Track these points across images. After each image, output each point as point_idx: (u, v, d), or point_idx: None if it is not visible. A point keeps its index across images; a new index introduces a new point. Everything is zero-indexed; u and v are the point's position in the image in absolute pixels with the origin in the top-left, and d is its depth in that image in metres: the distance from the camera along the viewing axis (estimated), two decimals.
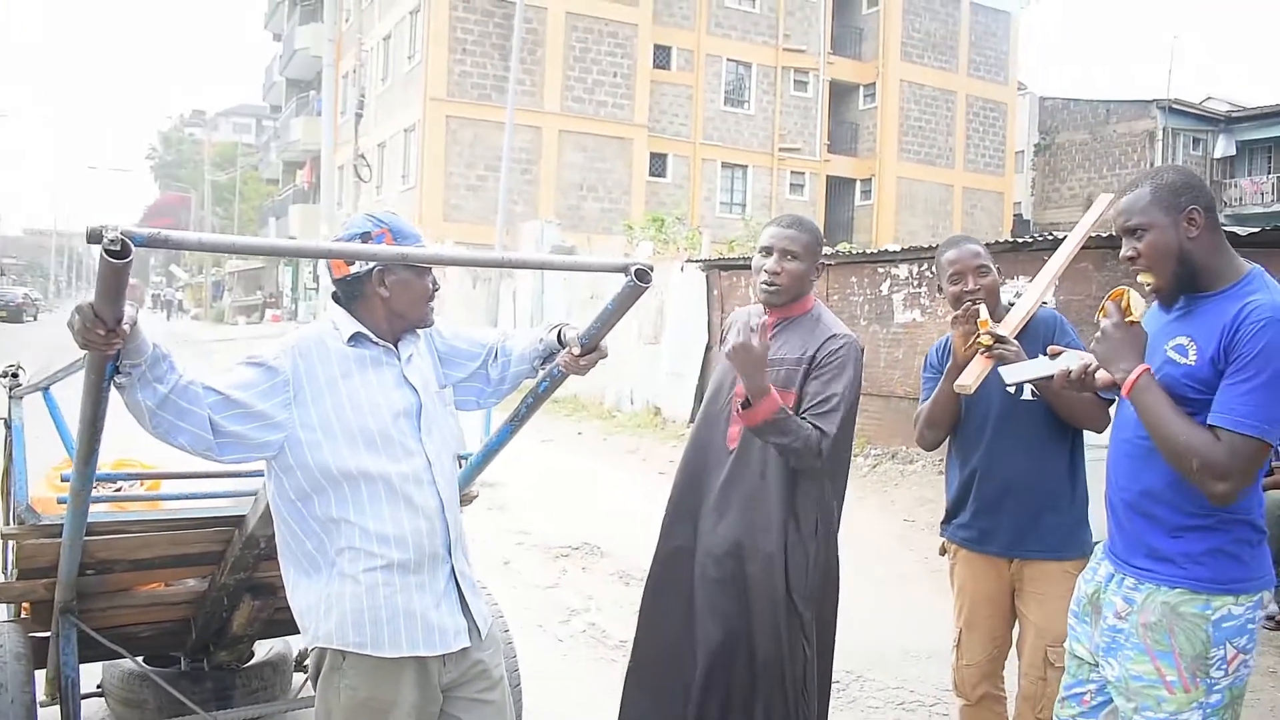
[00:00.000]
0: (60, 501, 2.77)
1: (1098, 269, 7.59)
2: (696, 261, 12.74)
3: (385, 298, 2.30)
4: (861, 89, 33.89)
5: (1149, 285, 2.31)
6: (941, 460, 8.85)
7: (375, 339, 2.31)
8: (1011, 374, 2.65)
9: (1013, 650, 3.25)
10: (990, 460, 3.16)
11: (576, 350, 2.41)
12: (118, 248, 1.65)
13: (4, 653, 3.05)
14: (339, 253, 2.11)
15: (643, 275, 2.20)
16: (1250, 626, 2.23)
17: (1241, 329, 2.11)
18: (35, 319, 43.74)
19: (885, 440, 9.60)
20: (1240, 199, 34.01)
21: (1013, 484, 3.10)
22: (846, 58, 33.27)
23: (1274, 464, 5.68)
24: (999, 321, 3.10)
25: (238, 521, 3.04)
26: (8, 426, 3.23)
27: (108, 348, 1.83)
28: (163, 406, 2.00)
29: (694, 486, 3.12)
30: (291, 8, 39.71)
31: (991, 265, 3.24)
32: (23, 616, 3.46)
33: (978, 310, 3.07)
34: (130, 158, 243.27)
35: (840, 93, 33.58)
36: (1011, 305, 3.27)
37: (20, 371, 3.09)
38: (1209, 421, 2.12)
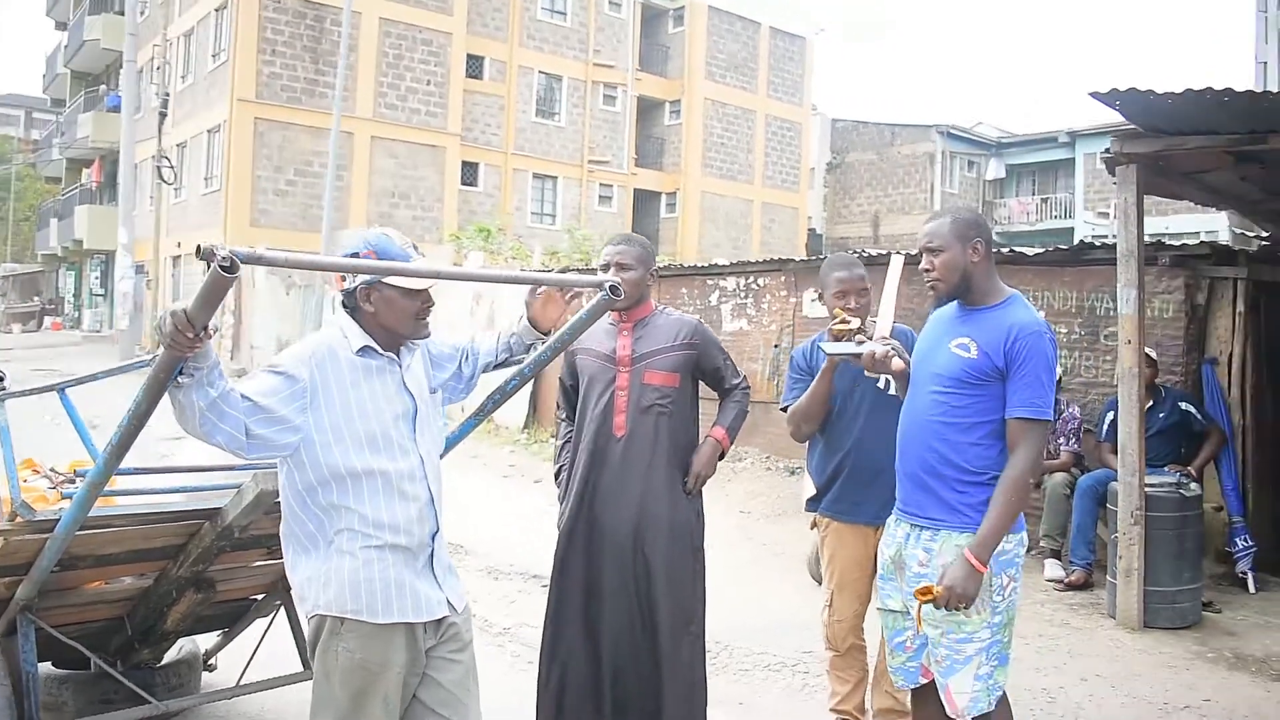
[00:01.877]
0: (65, 495, 2.93)
1: (905, 281, 8.49)
2: (528, 272, 13.15)
3: (371, 313, 2.55)
4: (668, 105, 35.01)
5: (935, 292, 3.05)
6: (768, 456, 9.64)
7: (380, 350, 2.57)
8: (831, 348, 3.40)
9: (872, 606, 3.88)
10: (862, 446, 3.80)
11: (533, 339, 2.87)
12: (228, 264, 1.90)
13: None
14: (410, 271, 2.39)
15: (615, 290, 2.66)
16: (1017, 560, 2.90)
17: (1018, 342, 2.83)
18: None
19: None
20: (1009, 218, 37.14)
21: (883, 465, 3.70)
22: (653, 74, 34.31)
23: (1064, 448, 6.66)
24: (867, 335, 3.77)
25: (210, 514, 3.21)
26: None
27: (191, 350, 2.10)
28: (211, 409, 2.26)
29: (589, 475, 3.67)
30: None
31: (868, 286, 3.91)
32: None
33: (847, 320, 3.75)
34: None
35: (647, 108, 34.59)
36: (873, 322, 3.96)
37: (3, 375, 3.16)
38: (1010, 415, 2.84)
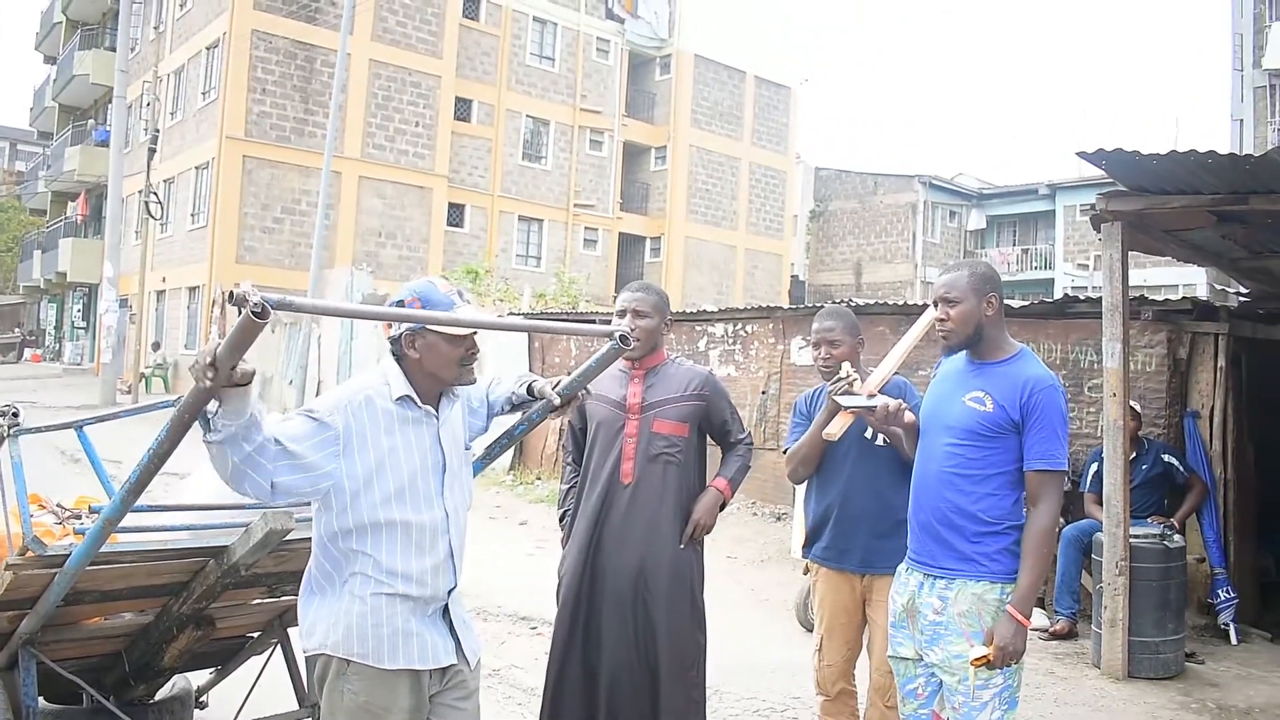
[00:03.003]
0: (78, 531, 2.95)
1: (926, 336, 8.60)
2: (518, 315, 13.23)
3: (416, 359, 2.58)
4: (653, 151, 35.37)
5: (947, 341, 3.13)
6: (755, 503, 9.70)
7: (419, 403, 2.59)
8: (847, 401, 3.41)
9: (864, 653, 3.93)
10: (848, 493, 3.84)
11: (557, 401, 2.83)
12: (260, 310, 1.92)
13: None
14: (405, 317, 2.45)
15: (625, 339, 2.68)
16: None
17: (1034, 396, 2.92)
18: None
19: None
20: None
21: (866, 513, 3.76)
22: (640, 120, 34.70)
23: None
24: (864, 380, 3.84)
25: (216, 552, 3.23)
26: None
27: (208, 384, 2.09)
28: (245, 462, 2.27)
29: (596, 520, 3.70)
30: (70, 31, 37.57)
31: (845, 338, 3.95)
32: None
33: (850, 382, 3.82)
34: None
35: (633, 154, 34.93)
36: (870, 371, 4.03)
37: (18, 411, 3.19)
38: (1029, 468, 2.92)
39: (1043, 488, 2.91)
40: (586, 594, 3.67)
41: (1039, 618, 6.49)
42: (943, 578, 2.99)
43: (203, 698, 4.53)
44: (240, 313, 1.95)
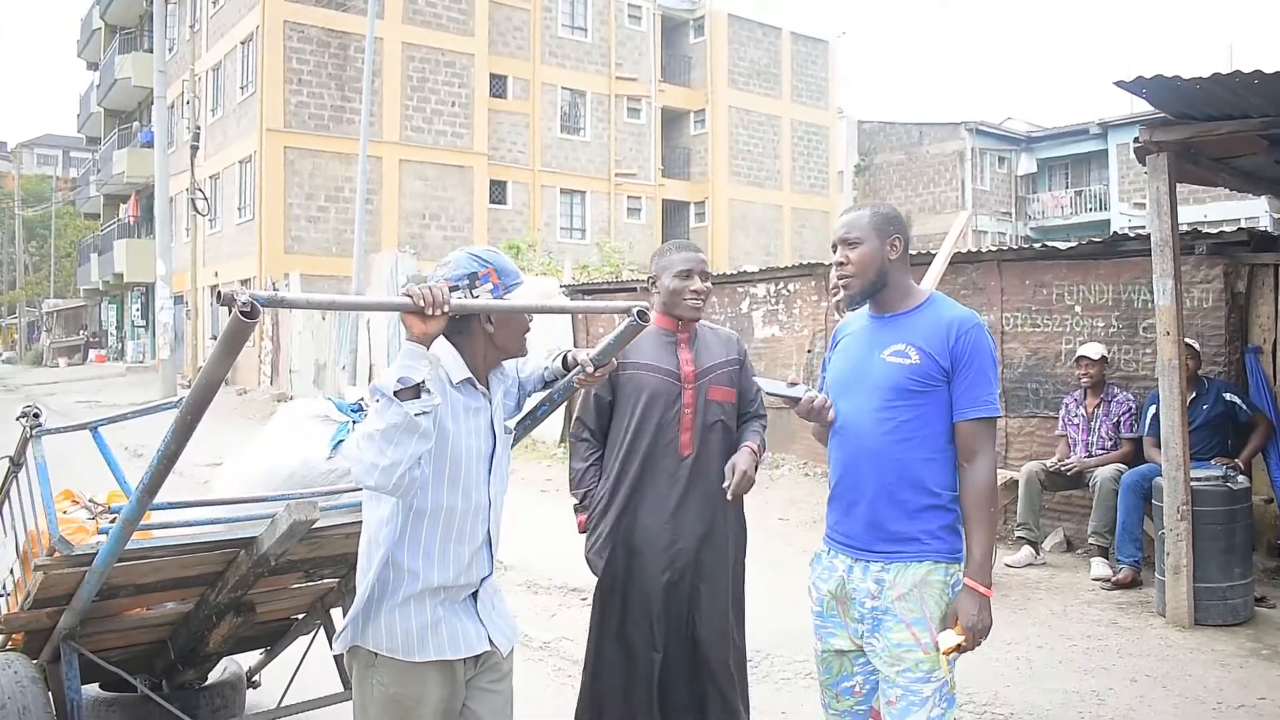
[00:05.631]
0: (102, 531, 2.95)
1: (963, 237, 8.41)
2: (564, 287, 13.18)
3: (490, 333, 2.48)
4: (692, 115, 35.08)
5: (847, 290, 2.78)
6: (805, 463, 9.57)
7: (476, 385, 2.50)
8: (766, 385, 3.03)
9: None
10: None
11: (590, 369, 2.67)
12: (248, 310, 1.87)
13: (21, 678, 3.16)
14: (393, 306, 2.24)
15: (643, 315, 2.53)
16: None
17: (961, 338, 2.62)
18: None
19: None
20: (1043, 212, 36.80)
21: None
22: (677, 85, 34.39)
23: (1124, 437, 6.58)
24: None
25: (245, 543, 3.22)
26: (14, 465, 3.36)
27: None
28: (422, 440, 2.21)
29: (645, 494, 3.54)
30: (110, 36, 38.10)
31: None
32: (10, 647, 3.58)
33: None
34: None
35: (672, 119, 34.64)
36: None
37: (39, 412, 3.18)
38: (962, 418, 2.62)
39: (977, 439, 2.61)
40: (634, 566, 3.54)
41: (1100, 567, 6.32)
42: (877, 561, 2.66)
43: (255, 677, 4.58)
44: (230, 314, 1.89)
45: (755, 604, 5.76)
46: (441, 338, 2.43)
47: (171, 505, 3.05)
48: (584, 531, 3.67)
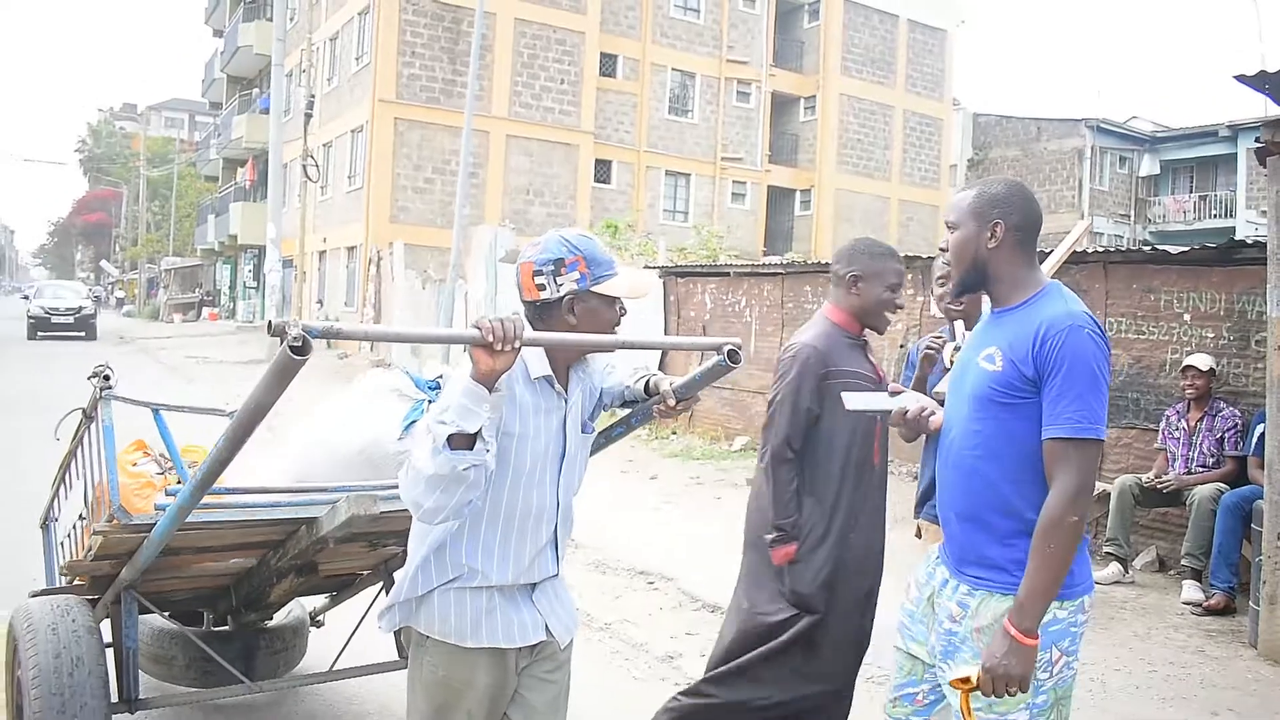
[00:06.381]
0: (159, 507, 2.95)
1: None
2: (655, 268, 13.12)
3: (572, 324, 2.33)
4: (802, 101, 34.57)
5: (949, 282, 2.55)
6: (891, 462, 9.34)
7: (554, 384, 2.37)
8: (854, 402, 2.77)
9: None
10: None
11: (672, 401, 2.53)
12: (299, 345, 1.77)
13: (78, 627, 3.16)
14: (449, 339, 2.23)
15: (733, 356, 2.42)
16: (1074, 630, 2.32)
17: (1047, 341, 2.25)
18: None
19: None
20: (1164, 216, 35.36)
21: None
22: (788, 70, 33.92)
23: (1227, 454, 6.25)
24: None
25: (308, 521, 3.18)
26: (87, 418, 3.39)
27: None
28: (471, 489, 2.12)
29: (858, 514, 3.37)
30: (234, 4, 39.24)
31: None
32: (77, 584, 3.64)
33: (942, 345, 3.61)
34: (58, 150, 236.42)
35: (781, 104, 34.21)
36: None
37: (110, 373, 3.15)
38: (1045, 436, 2.26)
39: (1059, 462, 2.23)
40: (842, 596, 3.35)
41: (1192, 590, 6.00)
42: (965, 584, 2.40)
43: (320, 618, 4.64)
44: (281, 344, 1.79)
45: None
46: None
47: (230, 491, 3.01)
48: (791, 562, 3.34)
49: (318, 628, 4.64)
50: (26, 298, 36.53)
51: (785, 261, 12.09)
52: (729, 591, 6.05)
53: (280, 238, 23.68)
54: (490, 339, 1.98)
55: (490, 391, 2.07)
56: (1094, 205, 34.48)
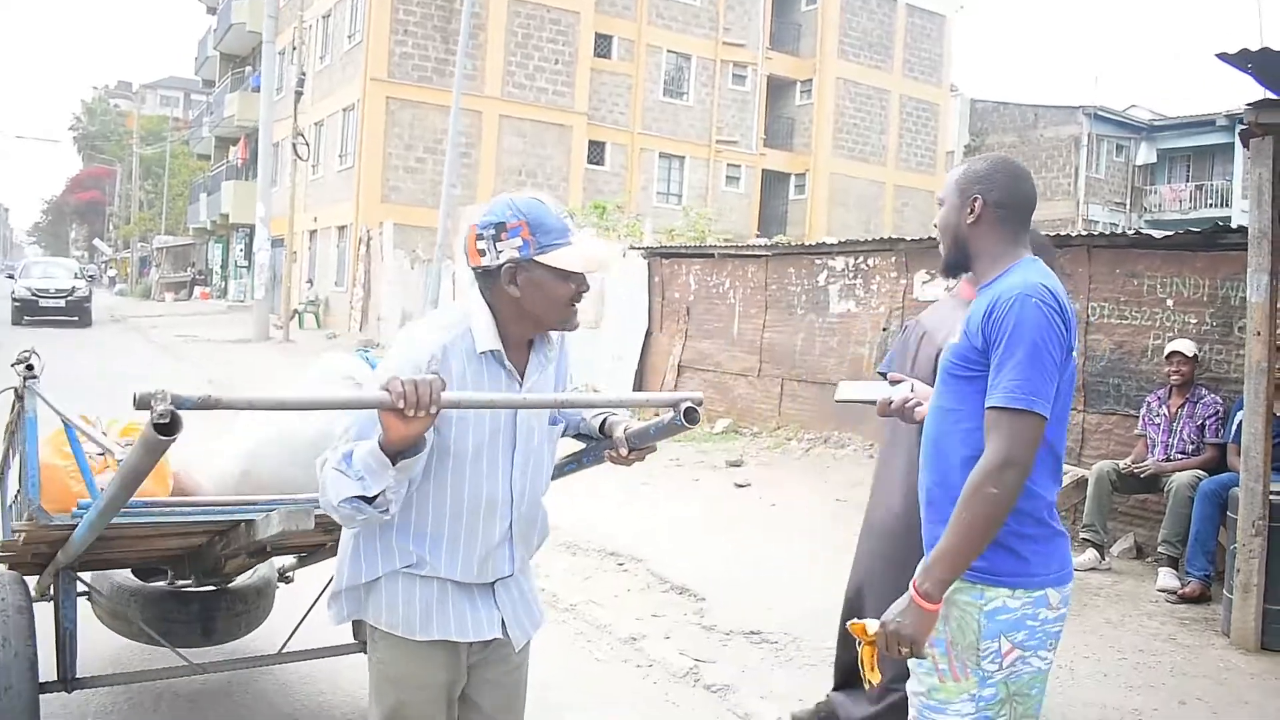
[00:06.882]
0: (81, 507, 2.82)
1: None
2: (639, 249, 13.01)
3: (515, 299, 2.14)
4: (799, 85, 34.38)
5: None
6: (871, 445, 9.27)
7: (505, 361, 2.18)
8: (847, 391, 2.77)
9: None
10: None
11: (624, 451, 2.34)
12: (167, 424, 1.60)
13: (5, 605, 3.07)
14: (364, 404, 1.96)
15: (690, 415, 2.22)
16: (1030, 623, 2.20)
17: (995, 310, 2.18)
18: None
19: (819, 425, 9.99)
20: (1159, 205, 35.25)
21: None
22: (785, 53, 33.71)
23: (1207, 441, 6.17)
24: None
25: (246, 522, 3.06)
26: (18, 398, 3.11)
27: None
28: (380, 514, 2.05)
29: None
30: None
31: None
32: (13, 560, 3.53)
33: None
34: (51, 127, 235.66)
35: (777, 88, 34.01)
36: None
37: (35, 360, 2.99)
38: (986, 406, 2.17)
39: (990, 431, 2.14)
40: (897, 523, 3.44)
41: (1168, 578, 5.93)
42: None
43: (289, 574, 4.54)
44: (147, 423, 1.64)
45: (795, 586, 5.59)
46: (477, 295, 2.17)
47: (146, 505, 2.87)
48: None
49: (287, 584, 4.50)
50: (12, 277, 32.28)
51: (770, 243, 11.97)
52: (701, 573, 6.04)
53: (270, 217, 23.56)
54: (401, 405, 1.82)
55: (399, 459, 1.94)
56: (1090, 193, 34.39)
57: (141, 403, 1.59)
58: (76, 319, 25.70)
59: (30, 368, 3.00)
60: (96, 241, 68.80)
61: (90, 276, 34.03)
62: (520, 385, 2.22)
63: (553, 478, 2.47)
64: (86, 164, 72.32)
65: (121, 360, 16.97)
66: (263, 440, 3.39)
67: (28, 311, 25.09)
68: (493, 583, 2.27)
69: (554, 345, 2.31)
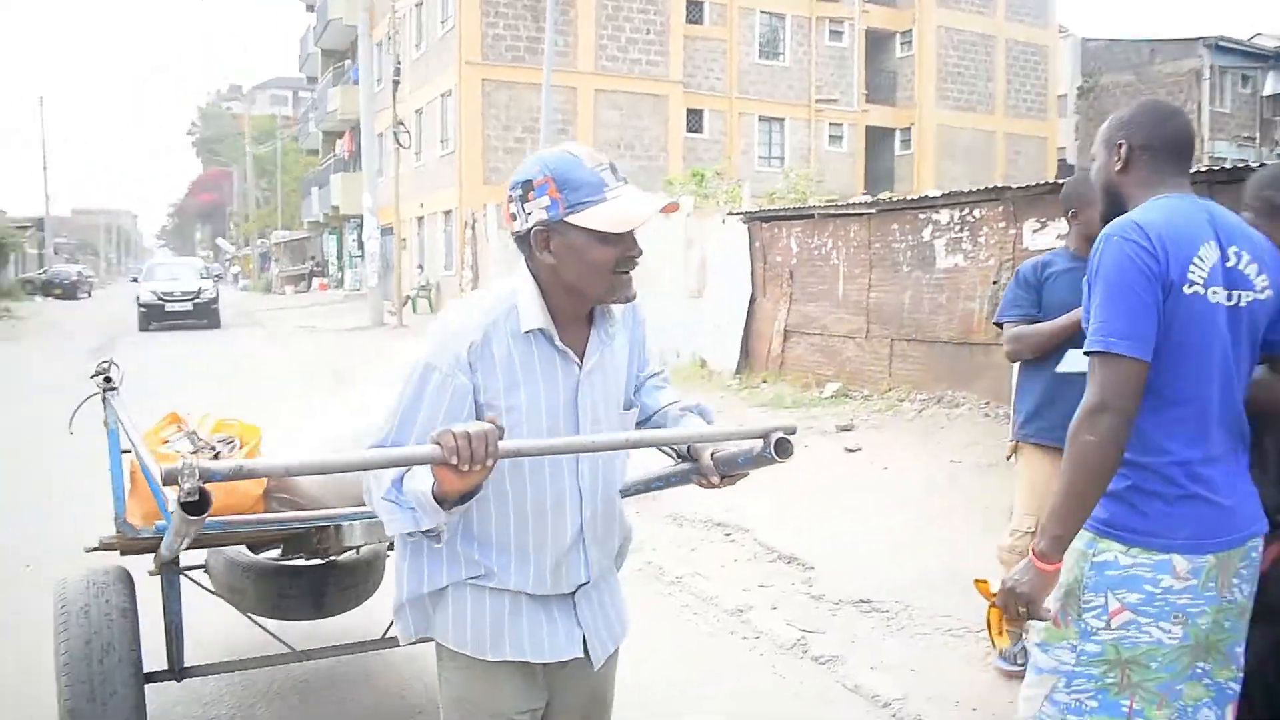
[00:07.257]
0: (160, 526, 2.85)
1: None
2: (738, 214, 12.81)
3: (551, 265, 1.92)
4: (898, 36, 33.46)
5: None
6: (987, 403, 8.95)
7: (557, 340, 1.95)
8: (1069, 362, 2.90)
9: None
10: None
11: (715, 479, 2.11)
12: (195, 502, 1.53)
13: (111, 609, 3.03)
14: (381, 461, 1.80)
15: (781, 448, 1.97)
16: (1148, 588, 2.07)
17: (1096, 253, 2.12)
18: (89, 295, 44.76)
19: (931, 385, 9.68)
20: None
21: None
22: (881, 5, 32.84)
23: None
24: None
25: (335, 526, 3.12)
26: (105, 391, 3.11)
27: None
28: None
29: None
30: None
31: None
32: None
33: None
34: (171, 135, 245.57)
35: (876, 41, 33.16)
36: None
37: (115, 368, 3.01)
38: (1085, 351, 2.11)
39: (1088, 377, 2.06)
40: None
41: None
42: None
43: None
44: (175, 504, 1.57)
45: (900, 550, 5.41)
46: (524, 268, 1.97)
47: (225, 524, 2.87)
48: None
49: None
50: (135, 280, 30.43)
51: (870, 200, 11.63)
52: (809, 542, 5.90)
53: (378, 206, 24.04)
54: (454, 460, 1.67)
55: (454, 506, 1.82)
56: (1215, 129, 32.65)
57: (169, 478, 1.50)
58: (205, 321, 24.72)
59: (109, 379, 3.02)
60: (219, 240, 71.58)
61: (216, 276, 33.84)
62: (580, 367, 1.99)
63: (634, 493, 2.32)
64: (205, 167, 75.15)
65: (238, 349, 17.55)
66: (333, 440, 3.40)
67: (154, 317, 24.13)
68: (573, 593, 2.07)
69: (615, 319, 2.06)
